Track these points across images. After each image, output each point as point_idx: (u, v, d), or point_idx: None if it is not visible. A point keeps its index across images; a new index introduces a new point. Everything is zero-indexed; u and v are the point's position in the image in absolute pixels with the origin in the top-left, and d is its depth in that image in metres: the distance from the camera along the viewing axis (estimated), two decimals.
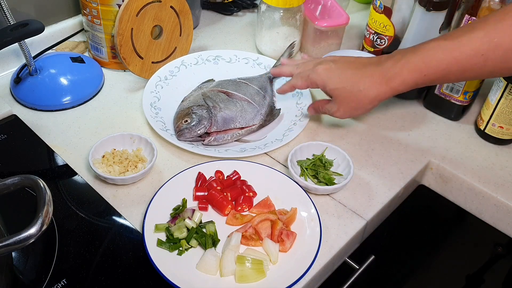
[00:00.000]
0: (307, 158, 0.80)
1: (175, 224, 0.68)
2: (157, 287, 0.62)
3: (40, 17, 0.94)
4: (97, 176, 0.75)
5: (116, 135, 0.78)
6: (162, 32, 0.93)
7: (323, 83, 0.76)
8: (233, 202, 0.72)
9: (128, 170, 0.75)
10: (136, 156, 0.77)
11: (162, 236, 0.67)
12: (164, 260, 0.64)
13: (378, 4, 0.93)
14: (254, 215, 0.71)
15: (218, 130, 0.82)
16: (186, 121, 0.81)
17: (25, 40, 0.84)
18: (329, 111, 0.79)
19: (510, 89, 0.80)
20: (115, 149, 0.78)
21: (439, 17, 0.85)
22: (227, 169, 0.77)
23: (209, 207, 0.72)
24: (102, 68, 0.97)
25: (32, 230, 0.50)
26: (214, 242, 0.67)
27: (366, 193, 0.77)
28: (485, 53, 0.62)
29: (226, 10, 1.19)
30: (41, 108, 0.88)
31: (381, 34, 0.95)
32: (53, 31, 0.99)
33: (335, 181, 0.76)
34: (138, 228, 0.69)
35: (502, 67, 0.63)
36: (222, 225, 0.70)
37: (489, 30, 0.62)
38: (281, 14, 0.98)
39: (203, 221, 0.70)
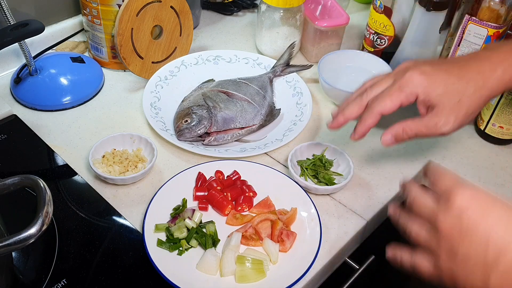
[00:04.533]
0: (307, 158, 0.80)
1: (175, 224, 0.68)
2: (157, 287, 0.62)
3: (40, 17, 0.94)
4: (97, 176, 0.75)
5: (116, 135, 0.78)
6: (162, 32, 0.93)
7: (425, 90, 0.62)
8: (233, 202, 0.72)
9: (128, 170, 0.75)
10: (136, 156, 0.77)
11: (162, 236, 0.67)
12: (164, 260, 0.64)
13: (378, 4, 0.93)
14: (254, 215, 0.71)
15: (218, 130, 0.82)
16: (186, 121, 0.81)
17: (25, 40, 0.84)
18: (430, 128, 0.63)
19: (510, 89, 0.80)
20: (115, 149, 0.78)
21: (439, 17, 0.85)
22: (227, 169, 0.77)
23: (209, 207, 0.72)
24: (102, 68, 0.97)
25: (32, 230, 0.50)
26: (214, 242, 0.67)
27: (366, 193, 0.77)
28: None
29: (226, 10, 1.19)
30: (41, 108, 0.88)
31: (381, 34, 0.95)
32: (53, 31, 0.99)
33: (335, 181, 0.76)
34: (138, 228, 0.69)
35: None
36: (222, 225, 0.70)
37: None
38: (281, 14, 0.98)
39: (203, 221, 0.70)
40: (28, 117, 0.87)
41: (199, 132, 0.81)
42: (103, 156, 0.77)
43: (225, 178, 0.76)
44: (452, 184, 0.51)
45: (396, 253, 0.56)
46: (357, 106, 0.67)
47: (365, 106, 0.66)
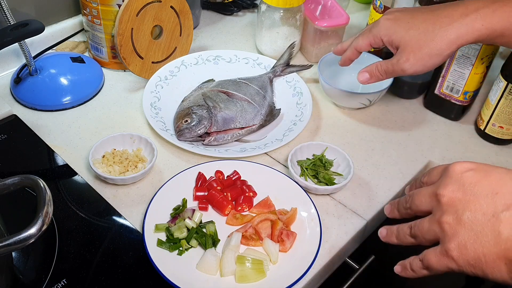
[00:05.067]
0: (307, 158, 0.80)
1: (175, 224, 0.68)
2: (157, 287, 0.62)
3: (40, 17, 0.94)
4: (97, 176, 0.75)
5: (116, 135, 0.78)
6: (162, 32, 0.93)
7: (388, 32, 0.65)
8: (233, 202, 0.72)
9: (128, 170, 0.75)
10: (136, 156, 0.77)
11: (162, 236, 0.67)
12: (164, 260, 0.64)
13: (378, 4, 0.93)
14: (254, 215, 0.71)
15: (218, 130, 0.82)
16: (186, 121, 0.81)
17: (25, 40, 0.84)
18: (394, 65, 0.66)
19: (510, 89, 0.80)
20: (115, 149, 0.78)
21: None
22: (227, 169, 0.77)
23: (209, 207, 0.72)
24: (102, 68, 0.97)
25: (32, 230, 0.50)
26: (214, 242, 0.67)
27: (366, 193, 0.77)
28: None
29: (226, 10, 1.19)
30: (41, 108, 0.88)
31: None
32: (53, 31, 0.99)
33: (335, 181, 0.76)
34: (138, 228, 0.69)
35: None
36: (222, 225, 0.70)
37: None
38: (281, 14, 0.98)
39: (203, 221, 0.70)
40: (28, 117, 0.87)
41: (199, 132, 0.81)
42: (103, 156, 0.77)
43: (225, 178, 0.76)
44: (445, 166, 0.51)
45: (406, 267, 0.57)
46: (346, 44, 0.78)
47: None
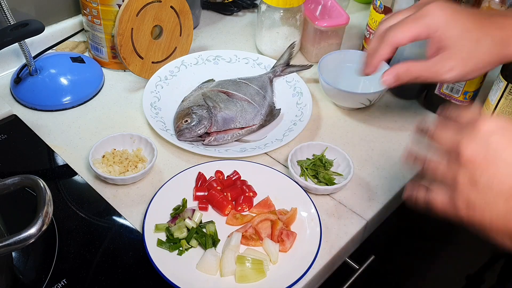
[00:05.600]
0: (307, 158, 0.80)
1: (175, 224, 0.68)
2: (157, 287, 0.62)
3: (40, 17, 0.94)
4: (97, 176, 0.75)
5: (116, 135, 0.78)
6: (162, 32, 0.93)
7: (443, 26, 0.56)
8: (233, 202, 0.72)
9: (128, 170, 0.75)
10: (136, 156, 0.77)
11: (162, 236, 0.67)
12: (164, 260, 0.64)
13: (378, 4, 0.93)
14: (254, 215, 0.71)
15: (218, 130, 0.82)
16: (186, 121, 0.81)
17: (25, 40, 0.84)
18: (433, 71, 0.59)
19: (510, 89, 0.80)
20: (115, 149, 0.78)
21: None
22: (227, 169, 0.77)
23: (209, 207, 0.72)
24: (102, 68, 0.97)
25: (32, 230, 0.50)
26: (214, 242, 0.67)
27: (366, 193, 0.77)
28: None
29: (226, 10, 1.19)
30: (41, 108, 0.88)
31: None
32: (53, 31, 0.99)
33: (335, 181, 0.76)
34: (138, 228, 0.69)
35: None
36: (222, 225, 0.70)
37: None
38: (281, 14, 0.98)
39: (203, 221, 0.70)
40: (28, 117, 0.87)
41: (199, 132, 0.81)
42: (103, 156, 0.77)
43: (225, 178, 0.76)
44: (477, 114, 0.47)
45: (412, 191, 0.53)
46: (376, 41, 0.62)
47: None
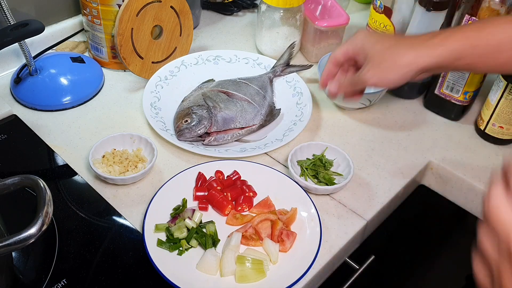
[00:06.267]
0: (307, 158, 0.80)
1: (175, 224, 0.68)
2: (157, 287, 0.62)
3: (40, 17, 0.94)
4: (97, 176, 0.75)
5: (116, 135, 0.78)
6: (162, 32, 0.93)
7: (362, 40, 0.68)
8: (233, 202, 0.72)
9: (128, 170, 0.75)
10: (136, 156, 0.77)
11: (162, 236, 0.67)
12: (164, 260, 0.64)
13: (378, 4, 0.93)
14: (254, 215, 0.71)
15: (218, 130, 0.82)
16: (186, 121, 0.81)
17: (25, 40, 0.84)
18: (358, 75, 0.68)
19: (510, 89, 0.80)
20: (115, 149, 0.78)
21: (439, 17, 0.85)
22: (227, 169, 0.77)
23: (209, 207, 0.72)
24: (102, 68, 0.97)
25: (32, 230, 0.50)
26: (214, 242, 0.67)
27: (366, 193, 0.77)
28: None
29: (226, 10, 1.19)
30: (41, 108, 0.88)
31: None
32: (53, 31, 0.99)
33: (335, 181, 0.76)
34: (138, 228, 0.69)
35: None
36: (222, 225, 0.70)
37: None
38: (281, 14, 0.98)
39: (203, 221, 0.70)
40: (28, 117, 0.87)
41: (199, 132, 0.81)
42: (103, 156, 0.77)
43: (225, 178, 0.76)
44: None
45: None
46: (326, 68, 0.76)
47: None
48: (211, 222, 0.70)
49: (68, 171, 0.77)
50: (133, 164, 0.76)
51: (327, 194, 0.76)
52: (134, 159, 0.77)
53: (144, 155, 0.78)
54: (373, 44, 0.67)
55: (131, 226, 0.70)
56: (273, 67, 0.95)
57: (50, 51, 0.97)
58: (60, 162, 0.79)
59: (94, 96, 0.92)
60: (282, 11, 0.97)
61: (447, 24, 0.86)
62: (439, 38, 0.63)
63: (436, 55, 0.62)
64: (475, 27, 0.62)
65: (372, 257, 0.78)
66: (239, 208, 0.72)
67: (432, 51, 0.62)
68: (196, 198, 0.73)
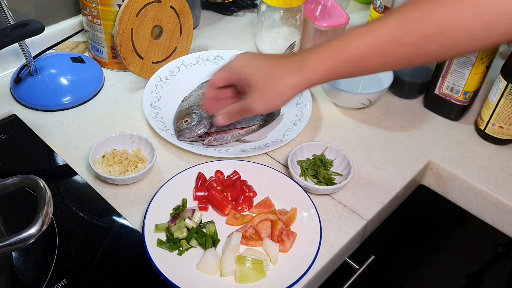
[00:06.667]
0: (307, 158, 0.80)
1: (175, 224, 0.68)
2: (157, 287, 0.62)
3: (40, 17, 0.94)
4: (97, 176, 0.75)
5: (116, 135, 0.78)
6: (162, 32, 0.93)
7: (243, 69, 0.69)
8: (233, 202, 0.72)
9: (128, 170, 0.75)
10: (136, 156, 0.77)
11: (162, 236, 0.67)
12: (164, 260, 0.64)
13: (378, 4, 0.93)
14: (254, 215, 0.71)
15: (218, 130, 0.82)
16: (186, 121, 0.81)
17: (25, 40, 0.84)
18: (246, 105, 0.69)
19: (510, 89, 0.80)
20: (115, 149, 0.78)
21: None
22: (227, 169, 0.77)
23: (209, 207, 0.72)
24: (102, 68, 0.97)
25: (32, 230, 0.50)
26: (214, 242, 0.67)
27: (366, 193, 0.77)
28: (400, 38, 0.61)
29: (226, 10, 1.19)
30: (41, 108, 0.88)
31: None
32: (53, 31, 0.99)
33: (335, 181, 0.76)
34: (138, 228, 0.69)
35: (418, 53, 0.61)
36: (222, 225, 0.70)
37: (402, 15, 0.61)
38: (281, 14, 0.98)
39: (203, 221, 0.70)
40: (28, 117, 0.87)
41: (199, 132, 0.81)
42: (103, 156, 0.77)
43: (225, 178, 0.76)
44: None
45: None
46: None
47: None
48: (211, 222, 0.70)
49: (68, 171, 0.77)
50: (133, 164, 0.76)
51: (327, 194, 0.76)
52: (134, 159, 0.77)
53: (144, 155, 0.78)
54: (253, 74, 0.68)
55: (131, 226, 0.70)
56: None
57: (50, 51, 0.97)
58: (60, 162, 0.79)
59: (94, 96, 0.92)
60: (282, 11, 0.97)
61: None
62: (310, 62, 0.65)
63: (312, 78, 0.66)
64: (338, 44, 0.64)
65: (372, 257, 0.78)
66: (239, 208, 0.72)
67: (307, 76, 0.65)
68: (196, 198, 0.73)
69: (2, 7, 0.80)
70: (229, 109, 0.72)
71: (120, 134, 0.79)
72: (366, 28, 0.63)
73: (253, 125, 0.85)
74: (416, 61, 0.64)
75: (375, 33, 0.62)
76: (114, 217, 0.71)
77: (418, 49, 0.61)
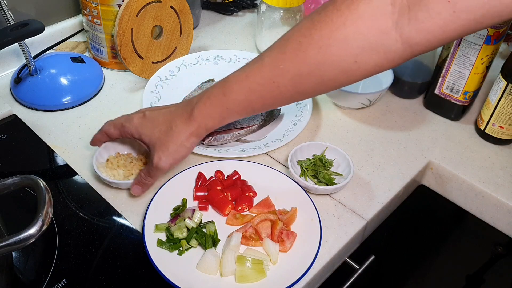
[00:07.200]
0: (307, 158, 0.80)
1: (175, 224, 0.68)
2: (157, 287, 0.62)
3: (40, 17, 0.94)
4: (97, 176, 0.75)
5: (120, 138, 0.78)
6: (162, 32, 0.93)
7: (138, 131, 0.70)
8: (233, 202, 0.72)
9: (132, 174, 0.74)
10: (140, 160, 0.77)
11: (162, 236, 0.67)
12: (164, 260, 0.64)
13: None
14: (254, 215, 0.71)
15: (218, 130, 0.82)
16: None
17: (25, 40, 0.84)
18: (153, 166, 0.69)
19: (510, 89, 0.80)
20: (119, 153, 0.77)
21: None
22: (227, 169, 0.77)
23: (209, 207, 0.72)
24: (102, 68, 0.97)
25: (32, 230, 0.50)
26: (214, 242, 0.67)
27: (366, 193, 0.77)
28: (276, 80, 0.62)
29: (226, 10, 1.19)
30: (41, 108, 0.88)
31: None
32: (53, 31, 0.99)
33: (335, 181, 0.76)
34: (138, 228, 0.69)
35: (297, 91, 0.62)
36: (222, 225, 0.70)
37: (274, 58, 0.62)
38: (281, 14, 0.98)
39: (203, 221, 0.70)
40: (28, 117, 0.87)
41: None
42: (107, 160, 0.76)
43: (225, 178, 0.76)
44: None
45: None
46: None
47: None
48: (211, 222, 0.70)
49: (68, 171, 0.77)
50: (138, 167, 0.75)
51: (327, 194, 0.76)
52: (138, 163, 0.76)
53: (148, 159, 0.78)
54: (151, 131, 0.69)
55: (131, 226, 0.70)
56: None
57: (50, 51, 0.97)
58: (60, 162, 0.79)
59: (94, 96, 0.92)
60: (282, 11, 0.97)
61: None
62: (198, 112, 0.67)
63: (206, 125, 0.68)
64: (220, 91, 0.66)
65: (372, 257, 0.78)
66: (239, 208, 0.72)
67: (200, 124, 0.68)
68: (196, 198, 0.73)
69: (2, 7, 0.80)
70: (139, 177, 0.72)
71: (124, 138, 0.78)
72: (244, 73, 0.64)
73: (253, 125, 0.85)
74: (299, 98, 0.65)
75: (251, 78, 0.64)
76: (114, 217, 0.71)
77: (296, 88, 0.62)
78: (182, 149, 0.69)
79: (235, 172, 0.76)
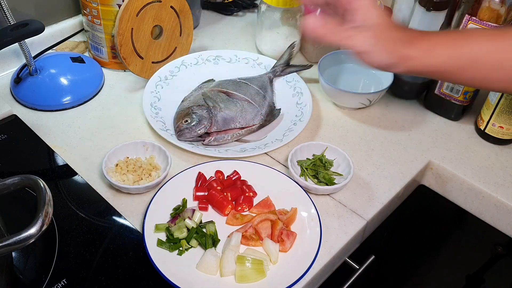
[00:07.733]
0: (307, 158, 0.80)
1: (175, 224, 0.68)
2: (157, 287, 0.62)
3: (40, 17, 0.94)
4: (97, 177, 0.75)
5: (129, 143, 0.77)
6: (162, 32, 0.93)
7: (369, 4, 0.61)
8: (233, 202, 0.72)
9: (142, 179, 0.74)
10: (150, 164, 0.76)
11: (162, 236, 0.67)
12: (164, 260, 0.64)
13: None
14: (254, 215, 0.71)
15: (218, 130, 0.82)
16: (186, 121, 0.81)
17: (25, 40, 0.84)
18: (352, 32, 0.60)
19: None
20: (128, 157, 0.77)
21: (439, 17, 0.85)
22: (227, 169, 0.77)
23: (209, 207, 0.72)
24: (102, 68, 0.97)
25: (32, 230, 0.50)
26: (214, 242, 0.67)
27: (366, 193, 0.77)
28: None
29: (226, 10, 1.19)
30: (41, 108, 0.88)
31: None
32: (53, 31, 0.99)
33: (335, 181, 0.76)
34: (138, 228, 0.69)
35: None
36: (222, 225, 0.70)
37: None
38: (281, 14, 0.98)
39: (203, 221, 0.70)
40: (28, 117, 0.87)
41: (199, 132, 0.81)
42: (117, 165, 0.75)
43: (225, 178, 0.76)
44: None
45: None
46: None
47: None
48: (211, 222, 0.70)
49: (68, 171, 0.77)
50: (147, 172, 0.75)
51: (327, 194, 0.76)
52: (148, 167, 0.75)
53: (157, 163, 0.77)
54: (378, 15, 0.60)
55: (131, 226, 0.70)
56: (273, 67, 0.95)
57: (50, 51, 0.97)
58: (60, 162, 0.79)
59: (94, 96, 0.92)
60: (282, 11, 0.97)
61: (447, 24, 0.86)
62: (433, 48, 0.59)
63: (423, 61, 0.60)
64: (456, 36, 0.60)
65: (372, 257, 0.78)
66: (239, 208, 0.72)
67: (423, 53, 0.59)
68: (196, 198, 0.73)
69: (2, 7, 0.80)
70: (331, 26, 0.62)
71: (132, 142, 0.77)
72: (491, 33, 0.59)
73: (253, 125, 0.85)
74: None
75: (503, 41, 0.57)
76: (114, 217, 0.71)
77: None
78: (391, 54, 0.59)
79: (235, 172, 0.76)
